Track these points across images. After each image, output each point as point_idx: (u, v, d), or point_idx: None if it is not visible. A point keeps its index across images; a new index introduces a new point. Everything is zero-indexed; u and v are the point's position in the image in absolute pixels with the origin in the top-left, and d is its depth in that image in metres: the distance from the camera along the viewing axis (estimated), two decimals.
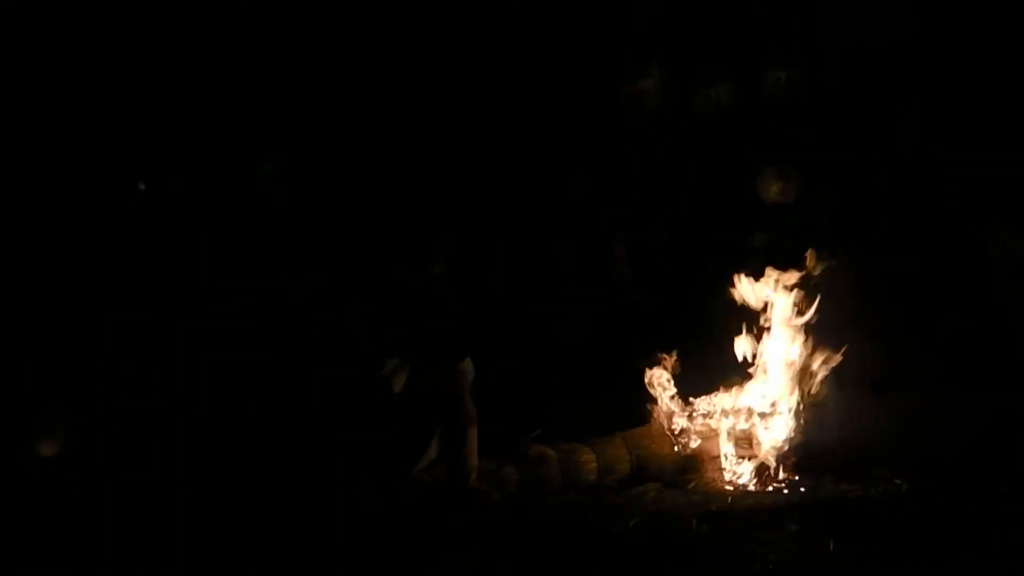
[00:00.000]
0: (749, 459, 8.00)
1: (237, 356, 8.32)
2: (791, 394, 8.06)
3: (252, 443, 7.71)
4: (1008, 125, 9.77)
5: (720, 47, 10.37)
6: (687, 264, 9.96)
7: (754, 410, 8.12)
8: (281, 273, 8.88)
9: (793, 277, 8.21)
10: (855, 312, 8.62)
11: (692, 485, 7.94)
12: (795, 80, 10.21)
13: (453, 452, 7.46)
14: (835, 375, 8.11)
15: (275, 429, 7.75)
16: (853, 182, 9.93)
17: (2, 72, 8.92)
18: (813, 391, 8.08)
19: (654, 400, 8.26)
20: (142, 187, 9.01)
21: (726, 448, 8.03)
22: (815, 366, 8.08)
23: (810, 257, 8.34)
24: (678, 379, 8.30)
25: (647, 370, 8.32)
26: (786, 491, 7.77)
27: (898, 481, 7.74)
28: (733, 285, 8.39)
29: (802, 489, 7.78)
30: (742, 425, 8.08)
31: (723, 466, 8.02)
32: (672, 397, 8.23)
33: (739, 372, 8.29)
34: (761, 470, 7.92)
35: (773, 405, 8.09)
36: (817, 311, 8.14)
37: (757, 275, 8.31)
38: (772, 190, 9.75)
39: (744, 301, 8.32)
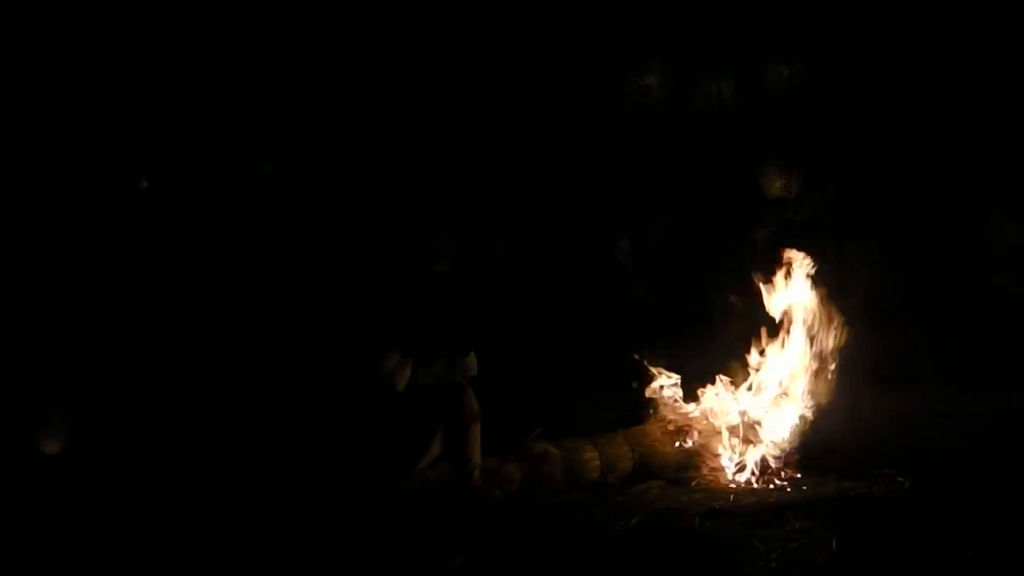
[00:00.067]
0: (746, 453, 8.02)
1: (237, 356, 8.32)
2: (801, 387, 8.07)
3: (252, 443, 7.70)
4: (1008, 124, 9.77)
5: (720, 46, 10.37)
6: (688, 262, 9.96)
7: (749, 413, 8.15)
8: (281, 273, 8.88)
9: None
10: (859, 309, 8.61)
11: (694, 483, 7.95)
12: (795, 78, 10.21)
13: (456, 449, 7.45)
14: (839, 372, 8.11)
15: (275, 429, 7.74)
16: (853, 179, 9.94)
17: (2, 72, 8.91)
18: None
19: (655, 397, 8.26)
20: (144, 184, 8.99)
21: (728, 445, 8.03)
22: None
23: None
24: (679, 375, 8.31)
25: (647, 367, 8.34)
26: (789, 489, 7.77)
27: (900, 479, 7.74)
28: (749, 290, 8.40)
29: (804, 487, 7.78)
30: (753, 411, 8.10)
31: (725, 464, 8.01)
32: (673, 394, 8.23)
33: (740, 362, 8.29)
34: (764, 468, 7.92)
35: (782, 396, 8.10)
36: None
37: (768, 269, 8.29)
38: (775, 185, 9.75)
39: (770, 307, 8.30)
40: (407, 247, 8.70)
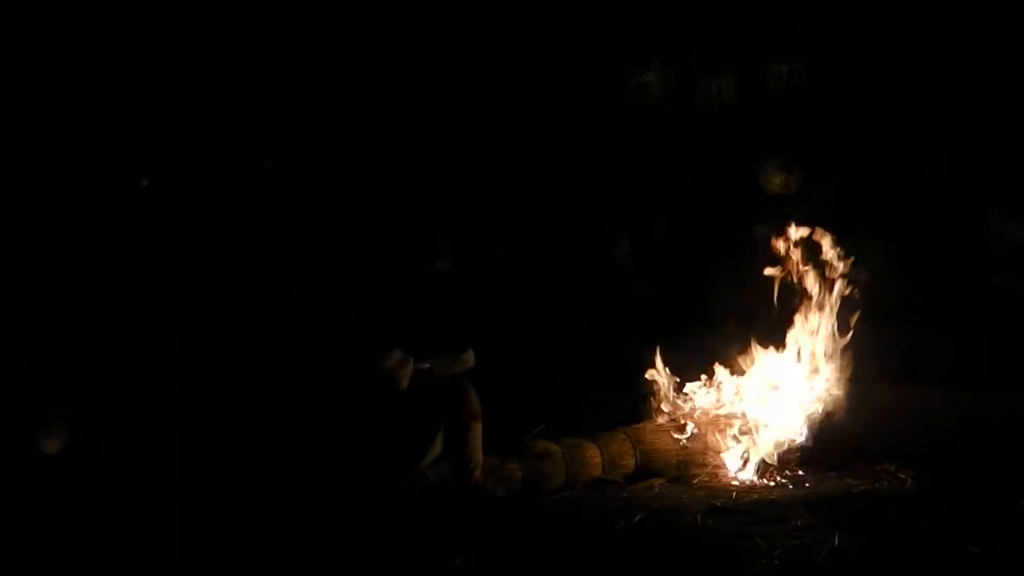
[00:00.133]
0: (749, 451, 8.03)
1: (237, 356, 8.31)
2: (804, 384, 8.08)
3: (252, 443, 7.69)
4: (1008, 124, 9.78)
5: (720, 46, 10.37)
6: (688, 261, 9.96)
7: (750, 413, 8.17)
8: (281, 273, 8.88)
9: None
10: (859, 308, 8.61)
11: (696, 481, 7.94)
12: (795, 78, 10.21)
13: (457, 448, 7.43)
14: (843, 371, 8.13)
15: (275, 429, 7.73)
16: (853, 179, 9.95)
17: (2, 72, 8.90)
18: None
19: (655, 394, 8.27)
20: (145, 184, 8.98)
21: (730, 443, 8.03)
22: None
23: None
24: (679, 372, 8.31)
25: (648, 365, 8.35)
26: (791, 486, 7.76)
27: (902, 477, 7.76)
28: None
29: (806, 484, 7.77)
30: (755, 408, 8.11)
31: (726, 461, 8.02)
32: (674, 392, 8.24)
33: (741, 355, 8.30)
34: (765, 465, 7.93)
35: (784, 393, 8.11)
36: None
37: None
38: (775, 181, 9.78)
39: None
40: (407, 247, 8.70)
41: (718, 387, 8.30)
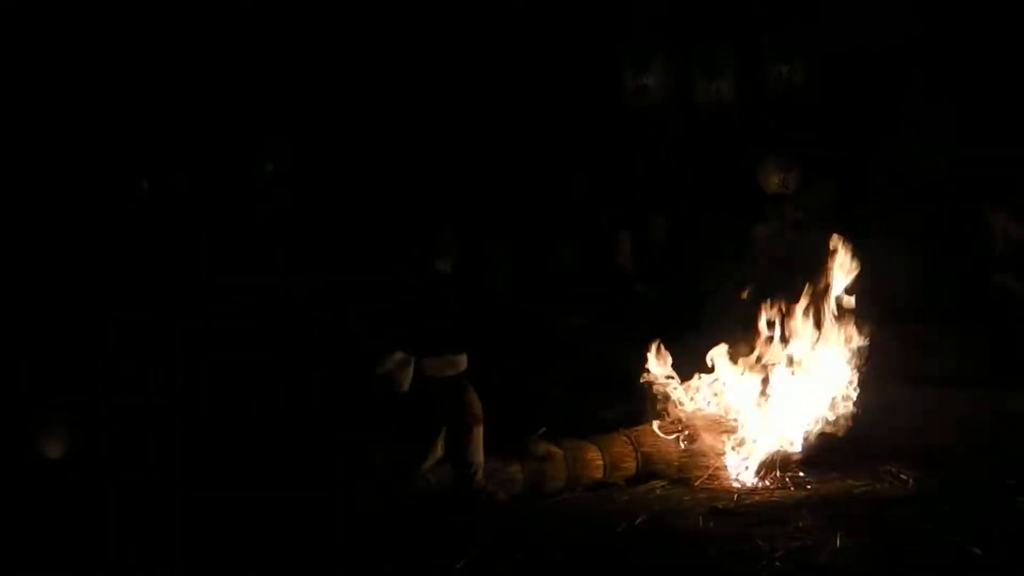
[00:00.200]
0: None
1: (237, 356, 8.31)
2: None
3: (252, 443, 7.69)
4: (1008, 124, 9.78)
5: (720, 46, 10.37)
6: (688, 260, 9.96)
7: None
8: (281, 273, 8.87)
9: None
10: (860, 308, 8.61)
11: (698, 482, 7.94)
12: (795, 78, 10.21)
13: (459, 451, 7.43)
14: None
15: (275, 429, 7.73)
16: (853, 179, 9.95)
17: (2, 72, 8.89)
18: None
19: (658, 396, 8.27)
20: (145, 186, 8.97)
21: (731, 445, 8.04)
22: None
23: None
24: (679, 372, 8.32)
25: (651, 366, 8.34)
26: (792, 488, 7.76)
27: (904, 477, 7.76)
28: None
29: (808, 486, 7.78)
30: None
31: (728, 463, 8.02)
32: (676, 393, 8.24)
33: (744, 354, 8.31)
34: (767, 467, 7.93)
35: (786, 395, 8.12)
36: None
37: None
38: (773, 180, 9.78)
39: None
40: (407, 247, 8.69)
41: (717, 382, 8.30)
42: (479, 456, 7.44)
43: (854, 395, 8.02)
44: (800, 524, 6.82)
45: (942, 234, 9.64)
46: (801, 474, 7.95)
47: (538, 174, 10.21)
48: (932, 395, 8.59)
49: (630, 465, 8.06)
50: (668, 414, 8.22)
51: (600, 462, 7.97)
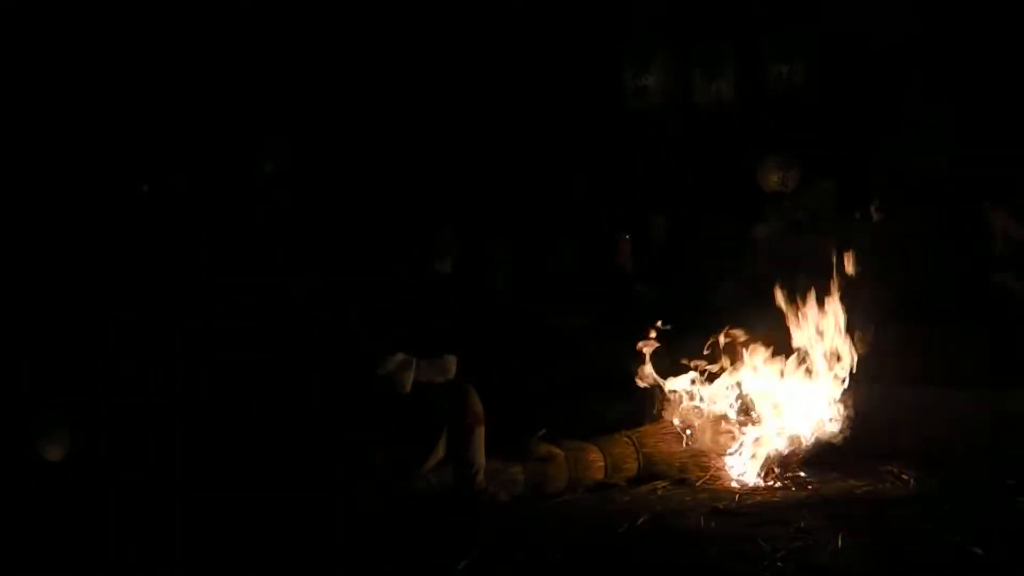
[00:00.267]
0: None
1: (237, 356, 8.30)
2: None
3: (252, 443, 7.68)
4: (1008, 124, 9.78)
5: (720, 45, 10.36)
6: (688, 260, 9.96)
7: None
8: (281, 273, 8.86)
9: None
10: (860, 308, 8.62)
11: (699, 483, 7.95)
12: (795, 78, 10.20)
13: (460, 452, 7.42)
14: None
15: (275, 429, 7.72)
16: (853, 179, 9.95)
17: (2, 72, 8.88)
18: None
19: (660, 396, 8.27)
20: (145, 189, 8.97)
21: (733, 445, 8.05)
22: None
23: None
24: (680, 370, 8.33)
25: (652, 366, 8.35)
26: (793, 488, 7.78)
27: (906, 477, 7.78)
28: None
29: (809, 486, 7.80)
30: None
31: (729, 464, 8.02)
32: (678, 393, 8.24)
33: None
34: (768, 467, 7.93)
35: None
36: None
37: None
38: (773, 179, 9.78)
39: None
40: (407, 247, 8.69)
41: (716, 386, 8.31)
42: (480, 457, 7.44)
43: (853, 400, 8.06)
44: (801, 524, 6.83)
45: (942, 234, 9.62)
46: (802, 474, 7.97)
47: (538, 174, 10.20)
48: (932, 395, 8.58)
49: (631, 466, 8.07)
50: (669, 415, 8.23)
51: (601, 463, 7.98)
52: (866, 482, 7.75)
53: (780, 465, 7.96)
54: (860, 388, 8.16)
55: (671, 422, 8.22)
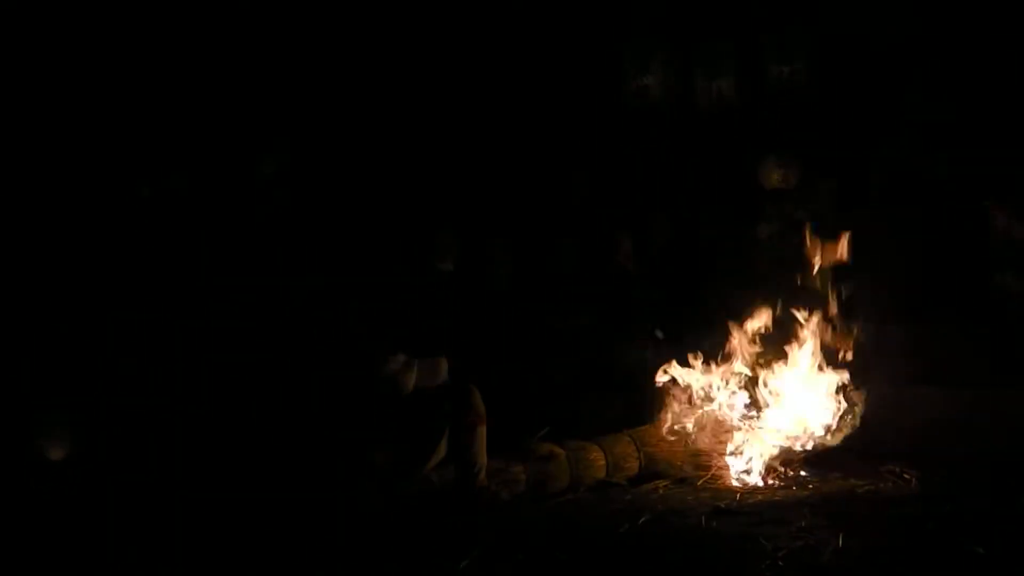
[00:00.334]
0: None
1: (237, 356, 8.30)
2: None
3: (252, 443, 7.68)
4: (1008, 124, 9.78)
5: (720, 45, 10.35)
6: (689, 260, 9.96)
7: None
8: (281, 273, 8.86)
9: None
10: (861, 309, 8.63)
11: (701, 482, 7.96)
12: (795, 77, 10.19)
13: (462, 451, 7.42)
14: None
15: (275, 429, 7.73)
16: (853, 179, 9.95)
17: (2, 72, 8.87)
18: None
19: (663, 395, 8.28)
20: (146, 192, 8.95)
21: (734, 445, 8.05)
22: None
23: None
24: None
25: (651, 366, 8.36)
26: (795, 487, 7.81)
27: (907, 477, 7.79)
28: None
29: (811, 485, 7.83)
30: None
31: (731, 463, 8.02)
32: (680, 392, 8.25)
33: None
34: (770, 466, 7.94)
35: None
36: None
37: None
38: (773, 177, 9.78)
39: None
40: (408, 247, 8.69)
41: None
42: (482, 456, 7.45)
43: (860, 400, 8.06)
44: (803, 524, 6.85)
45: (942, 234, 9.62)
46: (804, 473, 7.99)
47: (538, 174, 10.18)
48: (933, 395, 8.60)
49: (633, 465, 8.09)
50: (670, 414, 8.24)
51: (603, 462, 7.99)
52: (867, 481, 7.78)
53: (782, 464, 7.97)
54: (866, 388, 8.15)
55: (672, 421, 8.22)
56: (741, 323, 8.41)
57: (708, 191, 10.19)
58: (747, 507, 7.36)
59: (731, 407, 8.22)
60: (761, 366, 8.27)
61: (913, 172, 9.89)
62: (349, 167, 9.59)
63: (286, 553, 6.64)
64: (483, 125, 10.08)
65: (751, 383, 8.27)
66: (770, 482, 7.89)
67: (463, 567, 6.30)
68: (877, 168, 9.97)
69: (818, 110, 10.09)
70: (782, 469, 7.99)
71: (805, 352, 8.18)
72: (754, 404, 8.22)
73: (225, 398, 8.11)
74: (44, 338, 8.10)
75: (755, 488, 7.82)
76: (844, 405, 8.05)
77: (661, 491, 7.85)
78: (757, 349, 8.28)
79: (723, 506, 7.37)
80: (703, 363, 8.30)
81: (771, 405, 8.16)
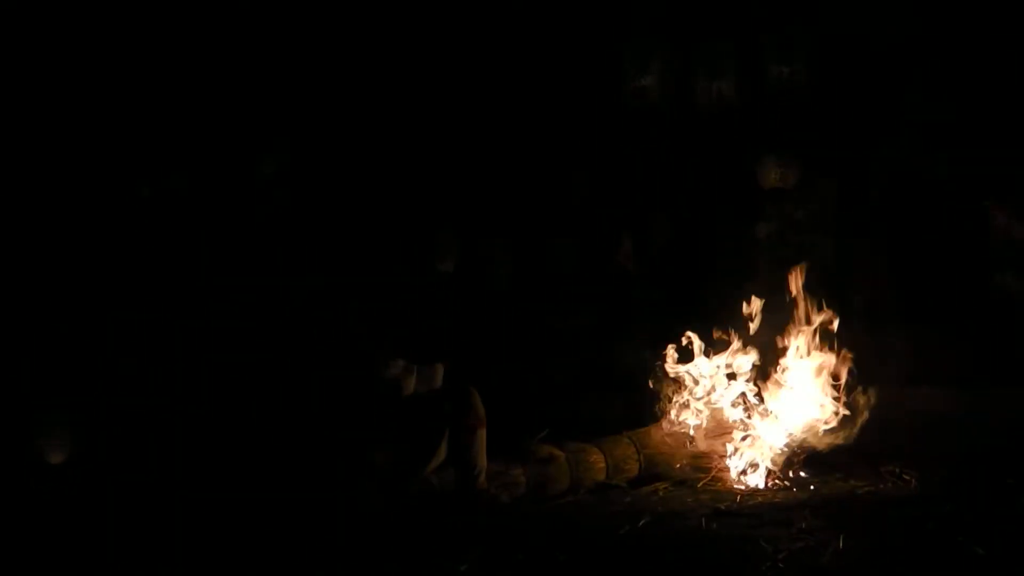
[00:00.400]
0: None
1: (237, 356, 8.31)
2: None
3: (252, 443, 7.69)
4: (1008, 124, 9.78)
5: (720, 45, 10.34)
6: (689, 260, 9.96)
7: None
8: (281, 273, 8.86)
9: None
10: (860, 310, 8.63)
11: (701, 484, 7.96)
12: (795, 77, 10.18)
13: (462, 454, 7.41)
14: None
15: (275, 429, 7.73)
16: (853, 179, 9.95)
17: (2, 72, 8.87)
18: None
19: (664, 397, 8.28)
20: (146, 192, 8.95)
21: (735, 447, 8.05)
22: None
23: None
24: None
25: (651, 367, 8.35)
26: (795, 489, 7.79)
27: (907, 478, 7.79)
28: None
29: (811, 487, 7.82)
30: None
31: (731, 465, 8.02)
32: (682, 394, 8.25)
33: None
34: (770, 468, 7.94)
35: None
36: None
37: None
38: (771, 176, 9.78)
39: None
40: (408, 247, 8.69)
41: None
42: (482, 459, 7.44)
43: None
44: (803, 525, 6.85)
45: (942, 234, 9.63)
46: (804, 475, 7.97)
47: (538, 174, 10.17)
48: (933, 396, 8.60)
49: (633, 467, 8.09)
50: (670, 415, 8.23)
51: (603, 464, 7.99)
52: (867, 483, 7.77)
53: (782, 466, 7.97)
54: (872, 391, 8.15)
55: (672, 423, 8.21)
56: (743, 322, 8.40)
57: (708, 191, 10.18)
58: (747, 509, 7.35)
59: (732, 408, 8.20)
60: (762, 366, 8.25)
61: (913, 172, 9.89)
62: (349, 167, 9.58)
63: (286, 553, 6.64)
64: (483, 125, 10.07)
65: (753, 382, 8.25)
66: (770, 484, 7.88)
67: (463, 570, 6.30)
68: (877, 168, 9.96)
69: (818, 110, 10.08)
70: (782, 471, 7.96)
71: (806, 352, 8.17)
72: (755, 405, 8.19)
73: (225, 398, 8.12)
74: (44, 338, 8.10)
75: (755, 490, 7.82)
76: (846, 411, 8.03)
77: (661, 493, 7.84)
78: (757, 350, 8.26)
79: (723, 508, 7.36)
80: (704, 360, 8.29)
81: (772, 406, 8.14)
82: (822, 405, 7.99)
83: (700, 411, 8.18)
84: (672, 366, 8.21)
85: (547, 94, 10.26)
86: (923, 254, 9.60)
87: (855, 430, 7.94)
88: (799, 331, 8.15)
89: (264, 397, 8.05)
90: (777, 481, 7.91)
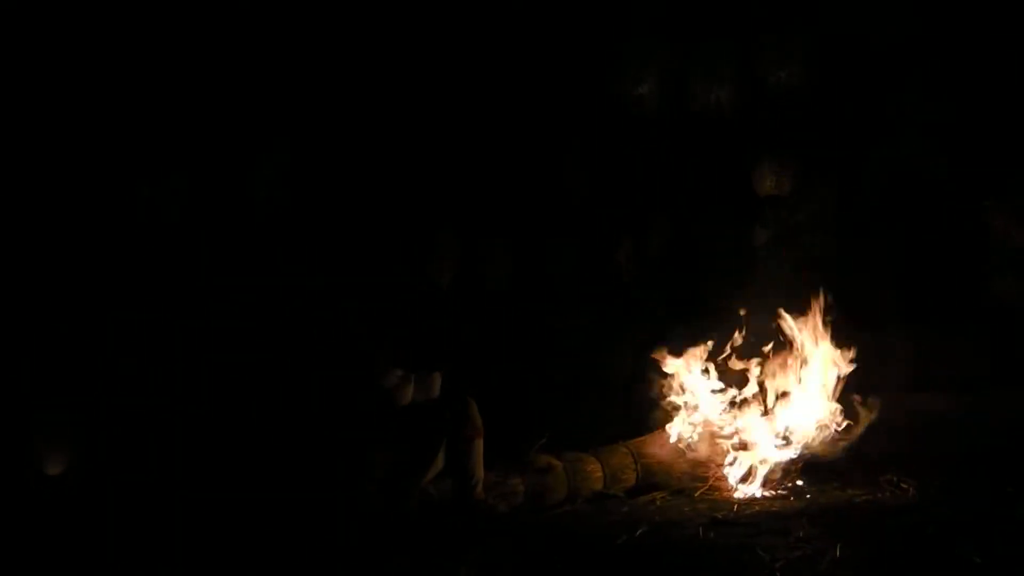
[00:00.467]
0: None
1: (237, 356, 8.32)
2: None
3: (252, 443, 7.71)
4: (1008, 124, 9.76)
5: (720, 46, 10.32)
6: (688, 263, 9.96)
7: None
8: (281, 273, 8.86)
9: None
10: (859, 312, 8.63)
11: (698, 493, 7.98)
12: (795, 78, 10.16)
13: (459, 463, 7.42)
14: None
15: (275, 429, 7.75)
16: (853, 179, 9.94)
17: (2, 72, 8.86)
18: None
19: (664, 404, 8.30)
20: (146, 192, 8.96)
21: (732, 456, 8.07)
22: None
23: None
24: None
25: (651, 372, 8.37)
26: (792, 497, 7.81)
27: (905, 486, 7.79)
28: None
29: (808, 495, 7.84)
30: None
31: (729, 474, 8.04)
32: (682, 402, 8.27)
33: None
34: (767, 477, 7.96)
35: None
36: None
37: None
38: (767, 183, 9.78)
39: None
40: (408, 247, 8.68)
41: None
42: (479, 469, 7.44)
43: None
44: (800, 534, 6.86)
45: (942, 235, 9.62)
46: (801, 483, 7.99)
47: (538, 175, 10.16)
48: (932, 400, 8.60)
49: (630, 476, 8.11)
50: (668, 424, 8.25)
51: (600, 474, 8.01)
52: (865, 491, 7.79)
53: (780, 475, 7.99)
54: (876, 399, 8.16)
55: (670, 432, 8.23)
56: (739, 328, 8.41)
57: (707, 192, 10.16)
58: (745, 518, 7.37)
59: (730, 416, 8.22)
60: (761, 374, 8.27)
61: (913, 172, 9.87)
62: (348, 168, 9.57)
63: (286, 553, 6.66)
64: (482, 125, 10.04)
65: (751, 391, 8.27)
66: (768, 492, 7.90)
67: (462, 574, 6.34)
68: (877, 168, 9.94)
69: (817, 110, 10.06)
70: (780, 479, 7.98)
71: (806, 359, 8.19)
72: (752, 412, 8.21)
73: (225, 398, 8.13)
74: (44, 339, 8.11)
75: (753, 499, 7.84)
76: (849, 421, 8.06)
77: (658, 502, 7.86)
78: (756, 358, 8.28)
79: (721, 517, 7.38)
80: (702, 369, 8.31)
81: (770, 414, 8.16)
82: (823, 415, 8.02)
83: (695, 425, 8.20)
84: (671, 382, 8.24)
85: (547, 95, 10.24)
86: (923, 255, 9.58)
87: (855, 440, 7.97)
88: (803, 340, 8.18)
89: (264, 397, 8.06)
90: (775, 490, 7.93)
